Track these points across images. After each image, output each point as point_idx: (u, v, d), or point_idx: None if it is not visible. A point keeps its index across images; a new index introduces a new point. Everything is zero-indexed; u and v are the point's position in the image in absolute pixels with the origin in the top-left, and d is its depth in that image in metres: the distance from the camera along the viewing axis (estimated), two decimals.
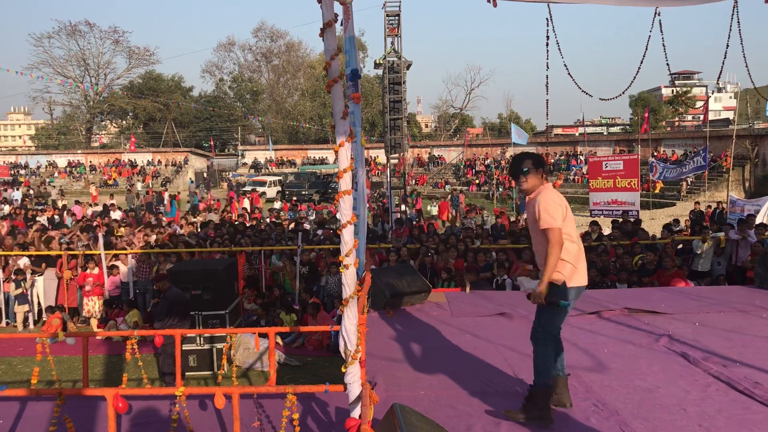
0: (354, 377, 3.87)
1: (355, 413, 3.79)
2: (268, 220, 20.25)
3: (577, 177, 41.06)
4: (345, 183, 3.72)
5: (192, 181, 44.65)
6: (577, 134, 57.52)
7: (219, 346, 8.93)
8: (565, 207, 4.40)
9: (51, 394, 4.37)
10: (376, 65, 18.25)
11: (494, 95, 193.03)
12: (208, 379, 8.81)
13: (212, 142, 62.03)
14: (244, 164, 53.78)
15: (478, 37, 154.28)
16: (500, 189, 38.80)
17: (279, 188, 40.11)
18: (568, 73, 10.11)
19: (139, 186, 43.17)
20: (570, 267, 4.36)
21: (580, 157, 43.68)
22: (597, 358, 5.80)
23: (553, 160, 45.34)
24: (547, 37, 9.33)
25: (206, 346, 9.04)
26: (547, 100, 11.26)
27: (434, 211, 24.88)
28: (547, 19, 9.07)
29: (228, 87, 72.92)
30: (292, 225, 17.39)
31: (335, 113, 3.73)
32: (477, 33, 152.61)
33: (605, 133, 65.84)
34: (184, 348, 8.59)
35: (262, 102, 72.27)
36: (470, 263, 11.37)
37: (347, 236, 3.75)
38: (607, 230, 14.09)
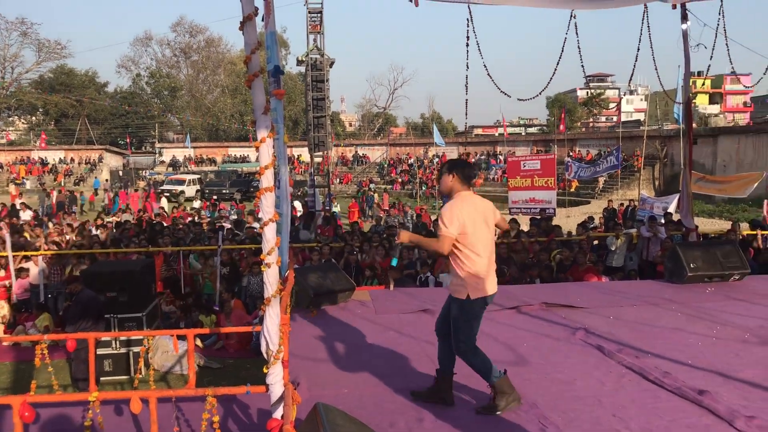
0: (276, 378, 3.81)
1: (278, 414, 3.73)
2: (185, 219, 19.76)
3: (496, 176, 42.03)
4: (267, 180, 3.65)
5: (96, 180, 42.98)
6: (496, 134, 58.95)
7: (136, 349, 8.62)
8: (469, 220, 4.45)
9: None
10: (299, 62, 18.10)
11: (417, 95, 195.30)
12: (124, 384, 8.50)
13: (128, 140, 60.04)
14: (162, 162, 52.35)
15: (401, 37, 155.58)
16: (423, 188, 39.29)
17: (198, 187, 39.24)
18: (488, 74, 10.29)
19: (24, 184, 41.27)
20: (474, 280, 4.48)
21: (500, 156, 44.76)
22: (516, 352, 5.94)
23: (473, 160, 46.23)
24: (467, 37, 9.47)
25: (122, 350, 8.71)
26: (467, 100, 11.42)
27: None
28: (467, 19, 9.22)
29: (145, 83, 70.79)
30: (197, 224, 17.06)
31: (256, 108, 3.66)
32: (400, 32, 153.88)
33: (523, 134, 67.75)
34: (98, 352, 8.24)
35: (180, 98, 70.53)
36: None
37: (269, 234, 3.69)
38: (525, 227, 14.47)
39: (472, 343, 4.55)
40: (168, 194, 34.74)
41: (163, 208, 26.77)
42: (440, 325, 4.83)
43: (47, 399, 4.12)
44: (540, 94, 11.84)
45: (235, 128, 61.70)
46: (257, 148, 3.69)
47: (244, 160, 51.60)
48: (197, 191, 38.33)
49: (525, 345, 6.17)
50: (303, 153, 46.22)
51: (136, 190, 35.58)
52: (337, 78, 77.35)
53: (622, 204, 24.28)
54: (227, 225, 16.75)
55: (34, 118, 69.72)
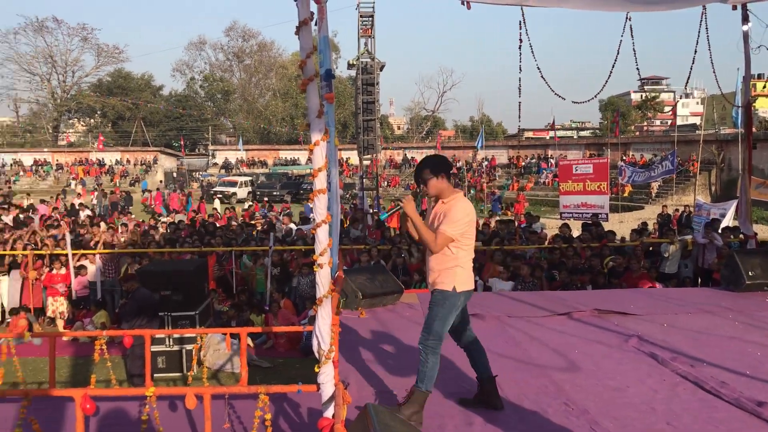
0: (327, 377, 3.85)
1: (328, 413, 3.77)
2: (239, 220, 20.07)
3: (547, 180, 41.46)
4: (320, 182, 3.70)
5: (144, 182, 43.93)
6: (548, 137, 58.11)
7: (188, 347, 8.82)
8: (471, 221, 4.51)
9: (17, 395, 4.27)
10: (349, 66, 18.24)
11: (466, 98, 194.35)
12: (177, 381, 8.70)
13: (182, 142, 61.38)
14: (215, 164, 53.34)
15: (451, 40, 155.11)
16: (472, 191, 39.03)
17: (250, 189, 39.87)
18: (541, 76, 10.18)
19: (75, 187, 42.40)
20: (462, 273, 4.50)
21: (551, 160, 44.15)
22: (568, 358, 5.85)
23: (524, 163, 45.75)
24: (520, 39, 9.40)
25: (176, 348, 8.92)
26: (520, 102, 11.33)
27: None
28: (520, 21, 9.14)
29: (199, 86, 72.22)
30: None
31: (310, 111, 3.72)
32: (450, 35, 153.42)
33: (576, 137, 66.60)
34: (153, 349, 8.46)
35: (233, 102, 71.73)
36: None
37: (322, 235, 3.73)
38: (576, 232, 14.25)
39: (439, 341, 4.56)
40: (220, 196, 35.39)
41: (216, 209, 27.31)
42: (455, 335, 4.83)
43: (106, 393, 4.25)
44: (595, 97, 11.68)
45: (285, 131, 62.47)
46: (311, 151, 3.74)
47: (294, 162, 52.22)
48: (249, 193, 38.96)
49: (576, 351, 6.08)
50: (352, 156, 46.49)
51: (179, 191, 36.23)
52: (386, 81, 77.53)
53: (677, 210, 23.71)
54: (293, 226, 16.69)
55: (92, 120, 71.92)
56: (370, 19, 16.82)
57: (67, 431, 4.46)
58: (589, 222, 15.17)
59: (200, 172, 51.00)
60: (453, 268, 4.46)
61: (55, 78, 67.49)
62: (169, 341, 8.89)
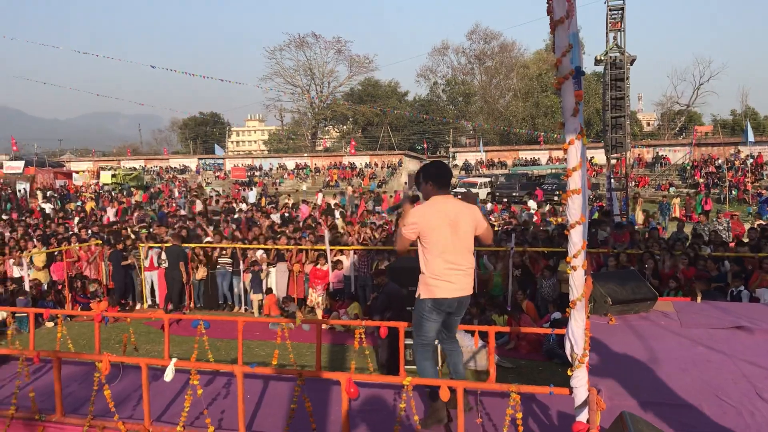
0: (581, 381, 3.76)
1: (581, 418, 3.68)
2: None
3: None
4: (574, 182, 3.63)
5: (372, 184, 46.07)
6: None
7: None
8: (427, 224, 4.62)
9: (292, 374, 4.78)
10: (597, 62, 17.53)
11: (726, 90, 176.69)
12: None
13: (425, 145, 63.71)
14: (455, 166, 54.53)
15: (708, 28, 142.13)
16: (734, 191, 35.33)
17: (489, 190, 40.13)
18: None
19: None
20: (426, 281, 4.67)
21: None
22: None
23: None
24: None
25: None
26: None
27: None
28: None
29: (441, 90, 74.41)
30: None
31: (565, 110, 3.67)
32: (708, 23, 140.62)
33: None
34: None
35: (473, 104, 72.79)
36: (700, 271, 10.55)
37: (576, 237, 3.66)
38: None
39: (424, 344, 4.74)
40: (460, 197, 36.07)
41: None
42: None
43: (367, 378, 4.58)
44: None
45: (525, 132, 61.93)
46: (565, 151, 3.69)
47: (534, 163, 51.53)
48: (488, 194, 39.24)
49: None
50: (596, 155, 44.63)
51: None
52: (634, 76, 72.62)
53: None
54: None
55: (345, 127, 77.71)
56: (620, 12, 16.07)
57: (333, 411, 4.88)
58: None
59: None
60: (422, 275, 4.70)
61: (314, 89, 74.13)
62: None
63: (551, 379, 8.76)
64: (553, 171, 44.30)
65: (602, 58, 16.82)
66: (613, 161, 18.99)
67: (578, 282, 3.73)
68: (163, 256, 13.67)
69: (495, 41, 72.24)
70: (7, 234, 17.98)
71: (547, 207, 27.83)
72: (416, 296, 4.76)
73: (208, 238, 15.30)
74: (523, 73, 67.54)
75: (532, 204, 31.11)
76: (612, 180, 17.65)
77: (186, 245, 13.97)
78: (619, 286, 7.71)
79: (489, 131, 65.03)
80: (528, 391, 4.15)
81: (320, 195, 35.51)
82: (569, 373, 3.82)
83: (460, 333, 9.18)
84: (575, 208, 3.68)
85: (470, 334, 9.03)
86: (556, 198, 35.94)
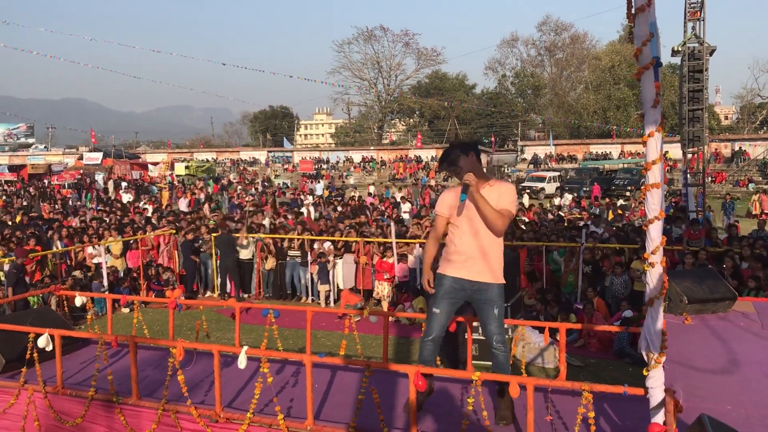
0: (657, 382, 3.65)
1: (657, 419, 3.57)
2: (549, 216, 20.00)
3: None
4: (654, 176, 3.51)
5: (424, 178, 45.70)
6: None
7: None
8: (445, 208, 4.70)
9: (360, 365, 4.81)
10: (674, 52, 16.94)
11: None
12: (489, 370, 8.95)
13: (492, 138, 63.08)
14: (524, 160, 53.78)
15: None
16: None
17: (558, 184, 39.40)
18: None
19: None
20: (445, 257, 4.71)
21: None
22: None
23: None
24: None
25: None
26: None
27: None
28: None
29: (510, 83, 73.45)
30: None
31: (645, 101, 3.55)
32: None
33: None
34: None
35: (543, 97, 71.56)
36: None
37: (654, 233, 3.54)
38: None
39: (428, 332, 4.67)
40: (529, 191, 35.59)
41: (522, 203, 27.58)
42: None
43: (435, 372, 4.56)
44: None
45: (596, 125, 60.47)
46: (644, 143, 3.57)
47: (605, 157, 50.29)
48: (557, 188, 38.54)
49: None
50: (669, 149, 43.21)
51: (522, 189, 36.97)
52: (712, 67, 69.28)
53: None
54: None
55: (411, 120, 77.67)
56: (700, 1, 15.52)
57: (399, 403, 4.89)
58: None
59: (509, 168, 51.83)
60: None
61: (381, 82, 74.42)
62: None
63: (621, 378, 8.55)
64: (625, 165, 43.15)
65: (679, 48, 16.27)
66: (689, 156, 18.34)
67: (656, 279, 3.61)
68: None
69: (566, 33, 70.89)
70: (86, 222, 18.78)
71: (568, 199, 27.41)
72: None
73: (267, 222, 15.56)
74: (595, 65, 65.89)
75: (565, 198, 30.52)
76: (688, 175, 17.05)
77: (255, 236, 14.29)
78: (695, 284, 7.44)
79: (559, 124, 63.79)
80: (600, 390, 4.05)
81: (372, 188, 35.74)
82: (644, 372, 3.71)
83: (528, 329, 9.07)
84: (654, 203, 3.55)
85: (539, 330, 8.91)
86: (627, 194, 34.99)
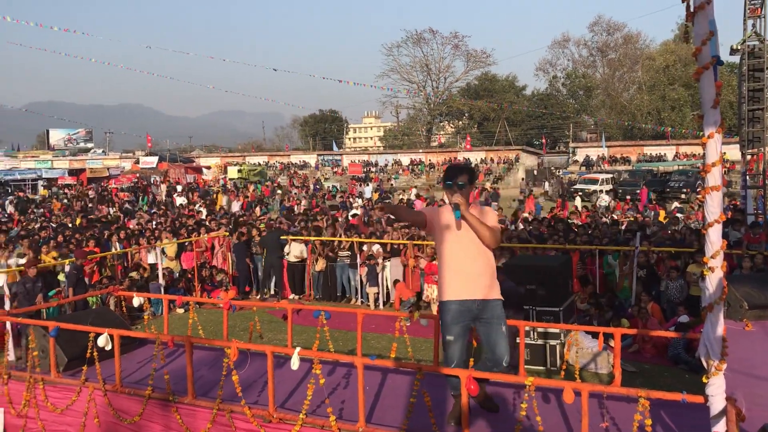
0: (718, 389, 3.55)
1: (719, 428, 3.47)
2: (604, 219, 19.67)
3: None
4: (713, 178, 3.43)
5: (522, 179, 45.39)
6: None
7: (552, 342, 8.91)
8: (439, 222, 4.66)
9: (411, 368, 4.82)
10: (733, 51, 16.46)
11: None
12: (540, 374, 8.85)
13: (543, 140, 62.26)
14: (575, 162, 52.92)
15: None
16: None
17: (611, 186, 38.59)
18: None
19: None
20: (441, 282, 4.68)
21: None
22: None
23: None
24: None
25: (540, 342, 9.08)
26: None
27: None
28: None
29: (561, 84, 72.46)
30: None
31: (704, 102, 3.47)
32: None
33: None
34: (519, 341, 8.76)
35: (595, 98, 70.36)
36: None
37: (714, 236, 3.45)
38: None
39: (449, 360, 4.56)
40: (581, 193, 35.02)
41: (576, 206, 27.17)
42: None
43: (487, 376, 4.53)
44: None
45: (651, 126, 59.09)
46: (703, 145, 3.50)
47: (660, 159, 49.09)
48: (610, 191, 37.75)
49: None
50: (726, 150, 41.93)
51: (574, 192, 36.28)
52: None
53: None
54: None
55: (460, 122, 77.31)
56: None
57: (451, 407, 4.87)
58: None
59: (560, 170, 51.07)
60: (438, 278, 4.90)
61: (429, 85, 74.30)
62: (534, 334, 9.08)
63: (676, 385, 8.33)
64: (681, 167, 42.06)
65: (739, 47, 15.80)
66: (749, 157, 17.77)
67: (715, 284, 3.52)
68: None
69: (618, 33, 69.56)
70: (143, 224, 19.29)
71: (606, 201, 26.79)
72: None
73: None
74: (648, 65, 64.48)
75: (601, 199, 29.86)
76: (747, 177, 16.54)
77: (306, 238, 14.46)
78: (756, 289, 7.25)
79: (611, 126, 62.58)
80: (658, 396, 3.96)
81: (414, 190, 35.71)
82: (704, 380, 3.62)
83: (581, 334, 8.93)
84: (714, 206, 3.47)
85: (592, 335, 8.77)
86: (683, 196, 34.10)
